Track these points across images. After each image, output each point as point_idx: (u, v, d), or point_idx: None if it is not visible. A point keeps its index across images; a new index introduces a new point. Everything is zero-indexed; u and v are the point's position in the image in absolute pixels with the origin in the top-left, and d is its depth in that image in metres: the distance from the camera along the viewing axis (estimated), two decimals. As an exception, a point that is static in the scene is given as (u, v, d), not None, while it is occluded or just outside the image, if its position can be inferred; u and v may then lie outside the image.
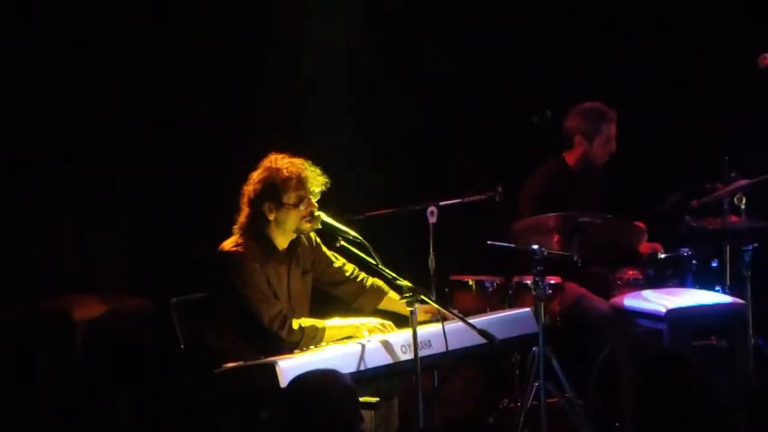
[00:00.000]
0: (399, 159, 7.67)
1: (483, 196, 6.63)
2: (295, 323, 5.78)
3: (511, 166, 6.98)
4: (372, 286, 6.10)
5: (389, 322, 5.88)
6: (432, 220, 6.34)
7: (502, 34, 7.75)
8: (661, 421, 4.23)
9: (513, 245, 6.44)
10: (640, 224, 6.82)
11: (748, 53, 6.64)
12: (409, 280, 5.66)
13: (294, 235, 5.94)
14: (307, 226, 5.89)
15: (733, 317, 6.69)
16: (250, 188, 5.86)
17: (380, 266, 5.74)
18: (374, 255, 5.74)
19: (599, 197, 7.08)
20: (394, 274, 5.71)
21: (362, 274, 6.10)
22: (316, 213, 5.84)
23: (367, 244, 5.78)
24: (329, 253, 6.07)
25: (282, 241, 5.92)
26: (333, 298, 6.16)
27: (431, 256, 6.31)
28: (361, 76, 7.69)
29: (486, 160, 7.09)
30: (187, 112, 7.42)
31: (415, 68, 7.77)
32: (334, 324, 5.86)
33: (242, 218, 5.88)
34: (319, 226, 5.90)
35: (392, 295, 6.06)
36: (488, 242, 6.45)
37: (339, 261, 6.09)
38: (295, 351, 5.68)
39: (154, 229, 7.45)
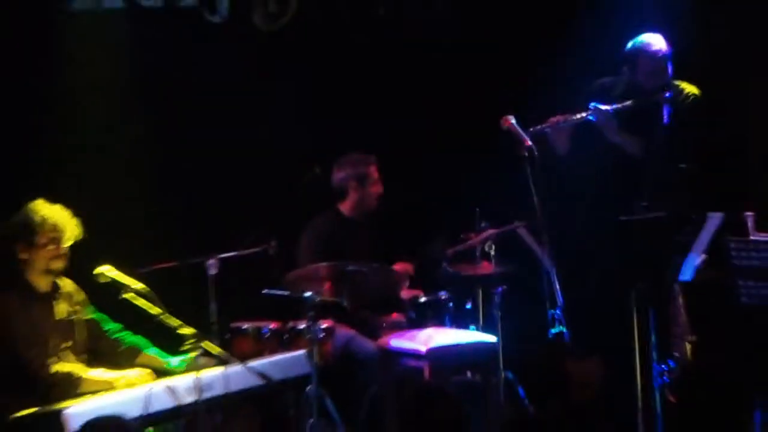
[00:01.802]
0: (182, 214, 7.47)
1: (258, 249, 6.51)
2: (54, 367, 5.74)
3: (284, 220, 6.99)
4: (128, 347, 6.11)
5: (148, 371, 5.91)
6: (212, 271, 6.25)
7: (274, 99, 7.61)
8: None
9: (287, 293, 6.41)
10: (407, 267, 6.98)
11: (494, 116, 6.75)
12: (192, 327, 5.69)
13: (52, 277, 5.92)
14: (57, 265, 5.88)
15: (485, 353, 6.77)
16: (5, 232, 5.88)
17: (164, 315, 5.71)
18: (159, 304, 5.73)
19: (371, 245, 7.14)
20: (179, 322, 5.71)
21: (122, 334, 6.14)
22: (65, 253, 5.85)
23: (152, 294, 5.76)
24: (89, 309, 6.09)
25: (41, 283, 5.91)
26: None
27: (212, 305, 6.20)
28: (140, 131, 7.42)
29: (260, 215, 7.10)
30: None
31: (192, 125, 7.56)
32: (94, 375, 5.82)
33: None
34: (63, 266, 5.90)
35: (147, 352, 6.10)
36: (263, 291, 6.44)
37: (101, 318, 6.11)
38: (55, 396, 5.61)
39: None
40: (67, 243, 5.89)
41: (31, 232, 5.80)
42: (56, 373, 5.69)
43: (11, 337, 5.70)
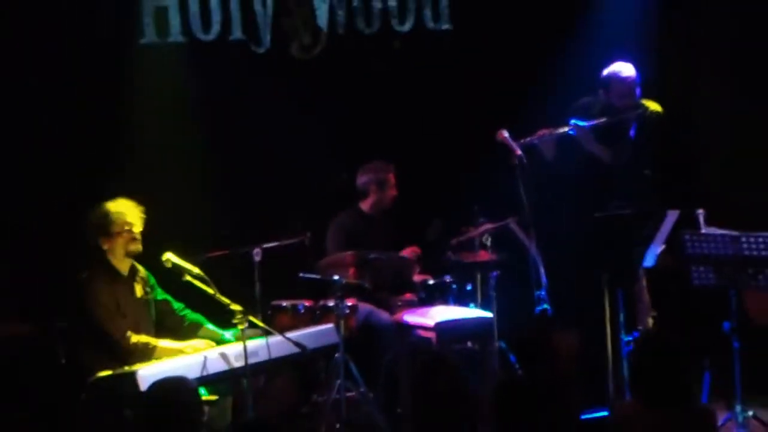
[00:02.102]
0: (232, 212, 7.59)
1: (296, 240, 6.83)
2: (134, 338, 6.07)
3: (317, 216, 7.34)
4: (190, 322, 6.41)
5: (211, 342, 6.25)
6: (257, 258, 6.61)
7: (309, 116, 7.74)
8: (431, 408, 4.42)
9: (319, 276, 6.78)
10: (415, 249, 7.25)
11: (491, 128, 7.10)
12: (240, 305, 6.00)
13: (130, 261, 6.28)
14: (134, 247, 6.24)
15: (483, 327, 7.08)
16: (88, 227, 6.25)
17: (217, 294, 6.05)
18: (213, 286, 6.06)
19: (385, 237, 7.41)
20: (228, 300, 6.02)
21: (185, 312, 6.41)
22: (138, 237, 6.22)
23: (207, 277, 6.09)
24: (159, 291, 6.42)
25: (123, 267, 6.27)
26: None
27: (257, 286, 6.58)
28: (198, 145, 7.57)
29: (297, 212, 7.31)
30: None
31: (242, 139, 7.71)
32: (165, 345, 6.16)
33: (89, 251, 6.24)
34: (140, 248, 6.24)
35: (206, 327, 6.37)
36: (300, 275, 6.80)
37: (169, 298, 6.41)
38: (133, 361, 5.92)
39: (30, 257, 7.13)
40: (138, 228, 6.19)
41: (106, 224, 6.15)
42: (136, 342, 6.04)
43: (99, 311, 6.06)
